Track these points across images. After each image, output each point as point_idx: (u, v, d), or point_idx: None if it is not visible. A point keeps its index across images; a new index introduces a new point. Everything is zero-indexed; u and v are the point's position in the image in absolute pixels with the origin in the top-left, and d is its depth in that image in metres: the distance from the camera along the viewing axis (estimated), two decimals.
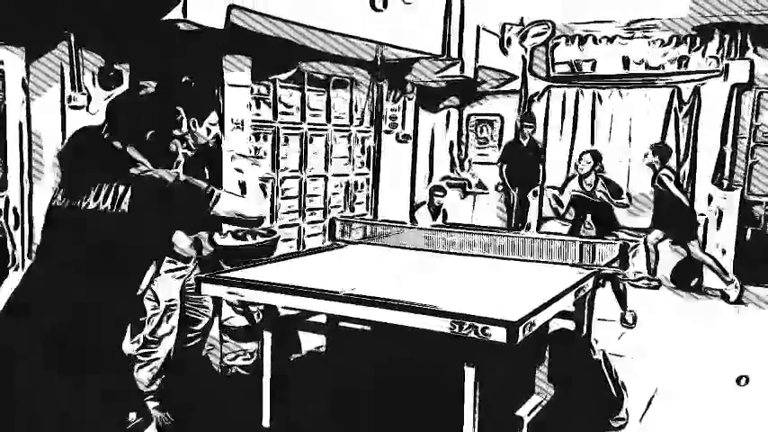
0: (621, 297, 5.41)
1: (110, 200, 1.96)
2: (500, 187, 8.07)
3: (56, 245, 2.06)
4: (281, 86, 6.09)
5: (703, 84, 7.35)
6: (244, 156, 3.53)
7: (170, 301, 3.43)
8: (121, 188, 1.99)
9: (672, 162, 7.55)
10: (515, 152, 7.80)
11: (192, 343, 3.70)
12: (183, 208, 2.10)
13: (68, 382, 1.93)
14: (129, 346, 4.30)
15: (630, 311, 5.44)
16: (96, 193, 1.98)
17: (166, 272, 3.41)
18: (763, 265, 7.09)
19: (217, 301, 3.80)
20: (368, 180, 7.39)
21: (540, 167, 7.87)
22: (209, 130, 3.51)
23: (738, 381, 4.30)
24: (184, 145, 2.29)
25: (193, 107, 3.51)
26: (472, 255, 3.56)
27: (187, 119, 3.46)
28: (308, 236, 6.64)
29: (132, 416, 2.19)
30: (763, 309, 6.26)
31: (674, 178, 6.66)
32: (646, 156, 6.76)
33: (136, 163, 2.09)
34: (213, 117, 3.54)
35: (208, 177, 3.65)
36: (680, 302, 6.52)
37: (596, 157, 5.78)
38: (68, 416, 1.93)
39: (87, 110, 4.15)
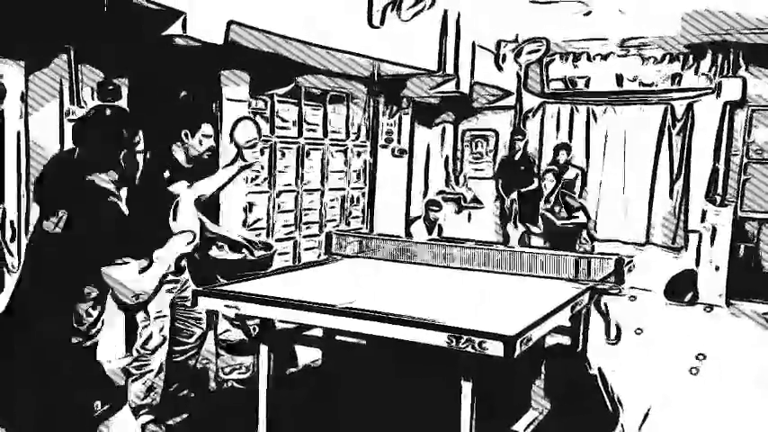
0: (604, 315, 5.40)
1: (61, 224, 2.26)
2: (497, 201, 8.16)
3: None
4: (279, 101, 6.12)
5: (696, 101, 7.42)
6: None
7: (158, 312, 3.41)
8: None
9: (665, 179, 7.64)
10: (508, 167, 7.95)
11: (186, 356, 3.67)
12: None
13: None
14: (121, 361, 4.29)
15: (615, 326, 5.38)
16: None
17: None
18: (755, 281, 7.15)
19: (211, 314, 3.79)
20: (364, 194, 7.41)
21: (534, 181, 7.90)
22: (201, 142, 3.45)
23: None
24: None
25: (188, 119, 3.51)
26: (469, 269, 3.58)
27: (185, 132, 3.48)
28: (304, 249, 6.64)
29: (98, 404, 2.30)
30: (756, 324, 6.29)
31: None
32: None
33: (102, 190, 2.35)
34: (207, 129, 3.47)
35: None
36: (673, 313, 6.56)
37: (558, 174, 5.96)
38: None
39: None
